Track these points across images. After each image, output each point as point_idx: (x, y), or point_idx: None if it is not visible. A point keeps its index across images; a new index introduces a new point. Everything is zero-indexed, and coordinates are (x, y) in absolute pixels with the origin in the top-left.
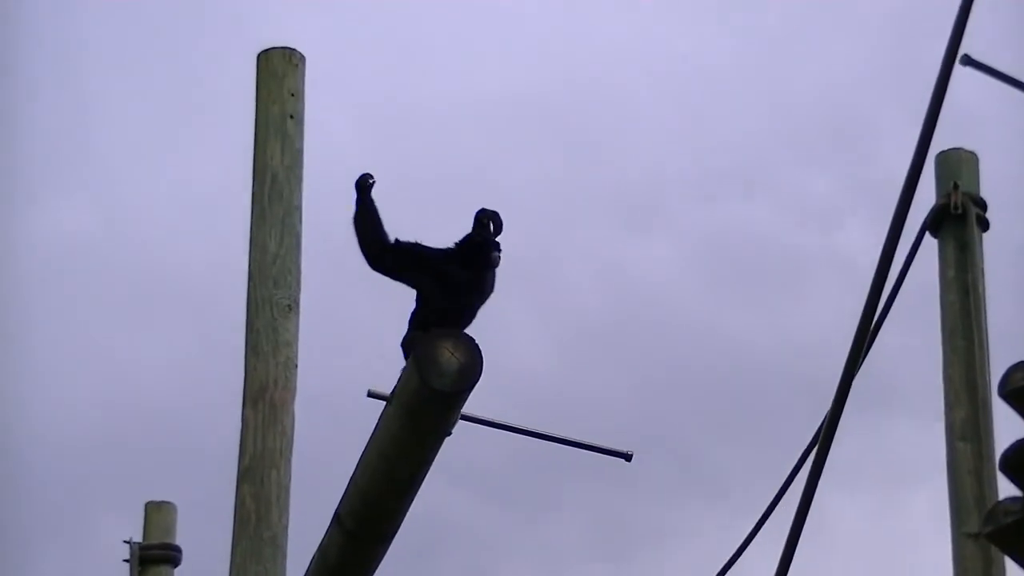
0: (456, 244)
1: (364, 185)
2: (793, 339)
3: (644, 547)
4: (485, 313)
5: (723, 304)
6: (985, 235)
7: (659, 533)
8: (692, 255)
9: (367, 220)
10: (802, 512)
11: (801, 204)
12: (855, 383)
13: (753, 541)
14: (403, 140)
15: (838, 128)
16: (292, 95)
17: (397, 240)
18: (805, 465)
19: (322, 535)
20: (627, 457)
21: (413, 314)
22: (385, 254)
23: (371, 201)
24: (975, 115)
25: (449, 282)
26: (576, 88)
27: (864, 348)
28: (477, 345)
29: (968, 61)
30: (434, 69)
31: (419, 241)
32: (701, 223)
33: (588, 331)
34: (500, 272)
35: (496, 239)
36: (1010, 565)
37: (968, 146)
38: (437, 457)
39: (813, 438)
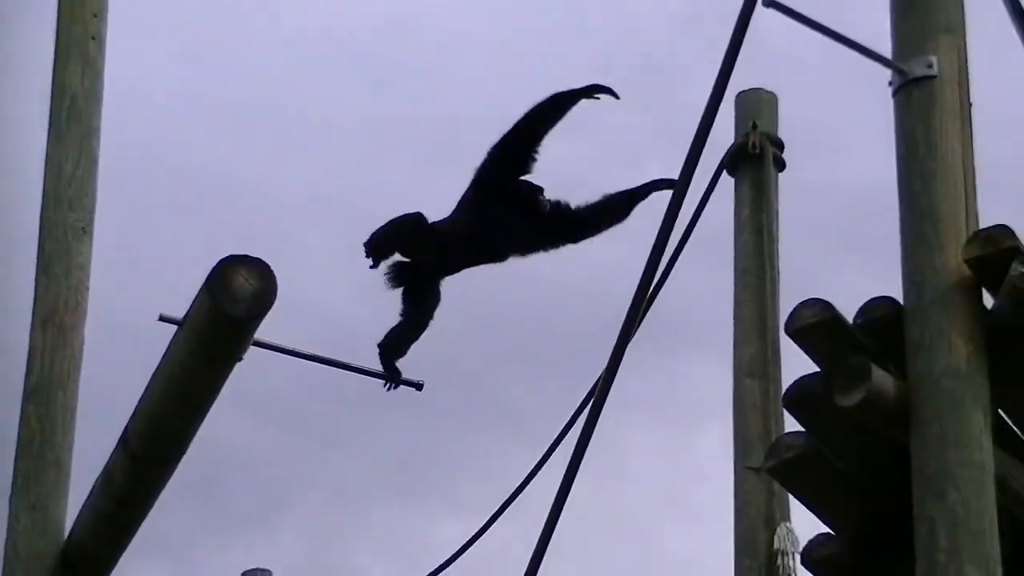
0: None
1: None
2: (593, 274)
3: (438, 479)
4: (284, 240)
5: None
6: (780, 175)
7: (453, 465)
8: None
9: None
10: (582, 445)
11: (607, 142)
12: (655, 320)
13: (544, 472)
14: (210, 68)
15: (644, 66)
16: (95, 16)
17: None
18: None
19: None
20: (418, 386)
21: None
22: None
23: None
24: (777, 56)
25: None
26: (388, 23)
27: (654, 286)
28: (272, 271)
29: (770, 3)
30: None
31: None
32: None
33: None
34: (304, 203)
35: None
36: (790, 500)
37: (769, 87)
38: (228, 384)
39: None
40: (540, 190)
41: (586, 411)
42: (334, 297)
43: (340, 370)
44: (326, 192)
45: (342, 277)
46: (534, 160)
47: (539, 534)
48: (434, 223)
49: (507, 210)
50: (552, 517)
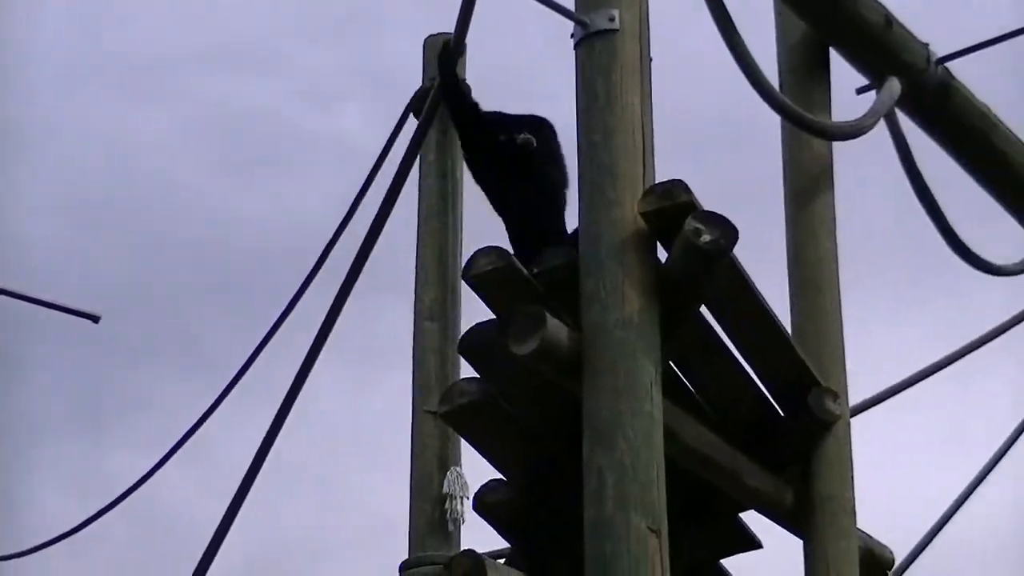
0: None
1: None
2: (293, 217)
3: (115, 412)
4: None
5: (223, 178)
6: None
7: (131, 399)
8: (193, 128)
9: None
10: (292, 393)
11: (306, 82)
12: (339, 262)
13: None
14: None
15: (346, 10)
16: None
17: None
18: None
19: None
20: (95, 319)
21: None
22: None
23: None
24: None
25: None
26: None
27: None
28: None
29: None
30: None
31: None
32: (205, 96)
33: (86, 199)
34: None
35: None
36: (464, 444)
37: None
38: None
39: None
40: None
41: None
42: (32, 228)
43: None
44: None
45: (39, 208)
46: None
47: (239, 484)
48: None
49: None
50: (254, 466)
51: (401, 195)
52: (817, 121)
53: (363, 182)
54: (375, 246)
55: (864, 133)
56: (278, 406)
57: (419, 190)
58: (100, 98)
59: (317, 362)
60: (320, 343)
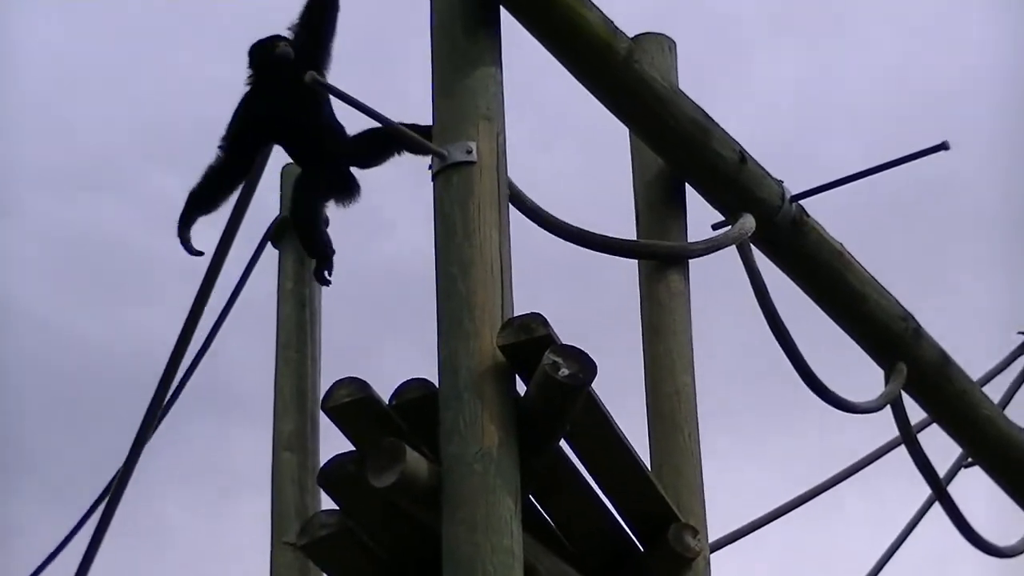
0: None
1: None
2: (138, 341)
3: None
4: None
5: (71, 302)
6: None
7: None
8: (43, 251)
9: None
10: (105, 520)
11: (154, 205)
12: (196, 389)
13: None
14: None
15: (201, 132)
16: None
17: None
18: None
19: None
20: None
21: None
22: None
23: None
24: None
25: None
26: None
27: (196, 356)
28: None
29: (313, 80)
30: None
31: None
32: (56, 219)
33: None
34: None
35: None
36: None
37: None
38: None
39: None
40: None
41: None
42: None
43: None
44: None
45: None
46: None
47: None
48: None
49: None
50: None
51: (261, 323)
52: (674, 246)
53: (222, 309)
54: (199, 365)
55: (717, 250)
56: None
57: (277, 318)
58: None
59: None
60: (128, 470)
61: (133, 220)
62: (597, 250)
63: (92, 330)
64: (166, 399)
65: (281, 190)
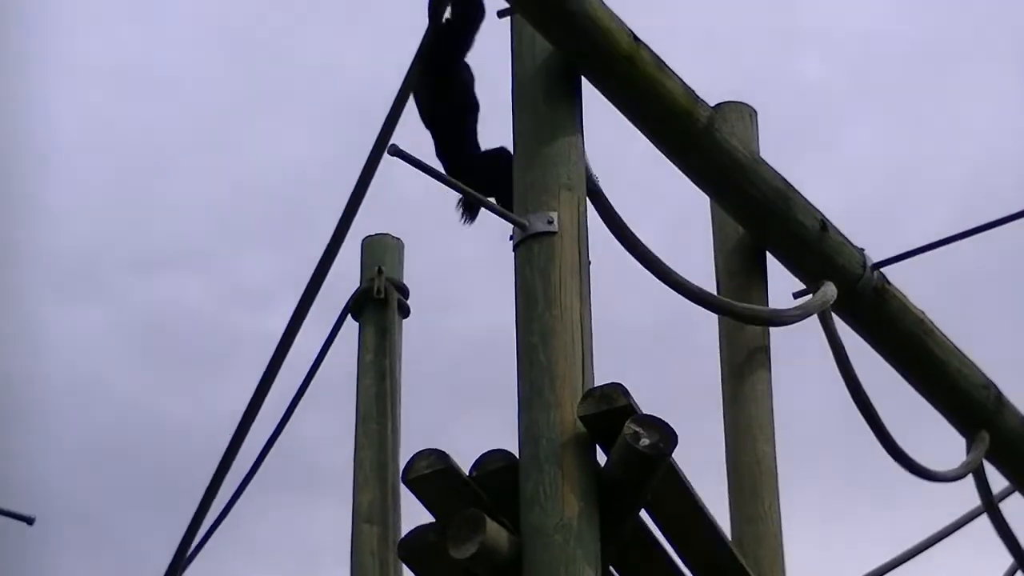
0: None
1: None
2: (221, 416)
3: None
4: None
5: (155, 377)
6: (405, 321)
7: None
8: (127, 326)
9: None
10: None
11: (233, 284)
12: (276, 463)
13: None
14: None
15: (280, 212)
16: None
17: None
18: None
19: None
20: (29, 521)
21: None
22: None
23: None
24: (405, 203)
25: None
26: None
27: (275, 430)
28: None
29: (396, 151)
30: None
31: None
32: (139, 295)
33: (15, 397)
34: None
35: None
36: None
37: (396, 232)
38: None
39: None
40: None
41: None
42: None
43: None
44: None
45: None
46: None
47: None
48: None
49: None
50: None
51: (341, 397)
52: (758, 311)
53: (301, 383)
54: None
55: (797, 321)
56: None
57: (356, 391)
58: (30, 296)
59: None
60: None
61: (213, 298)
62: (694, 301)
63: (175, 407)
64: (228, 473)
65: (362, 261)
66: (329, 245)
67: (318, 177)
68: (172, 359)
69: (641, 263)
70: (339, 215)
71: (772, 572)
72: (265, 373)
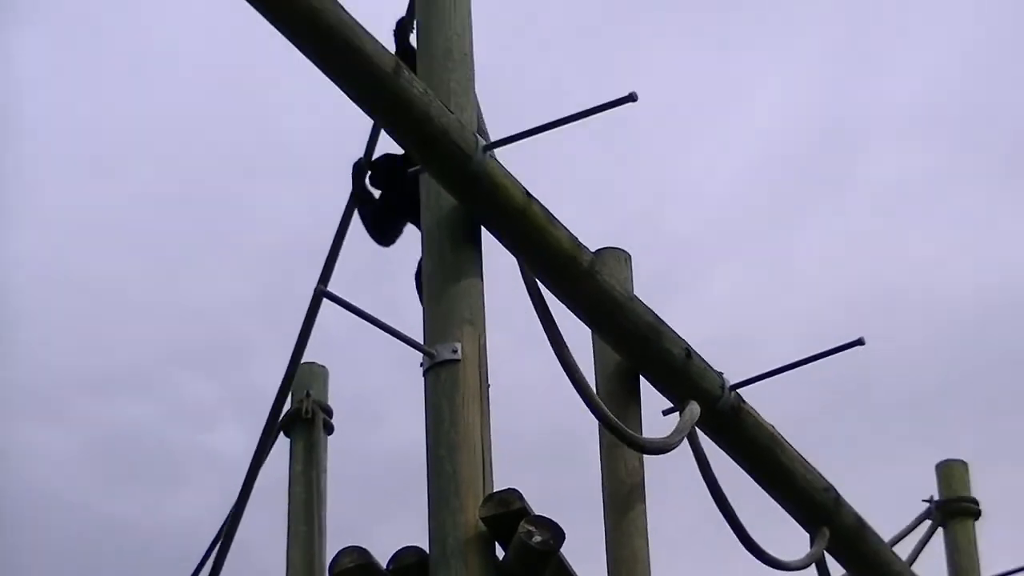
0: None
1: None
2: (171, 523)
3: None
4: None
5: (110, 491)
6: (329, 437)
7: None
8: (84, 445)
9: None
10: None
11: (182, 405)
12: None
13: None
14: None
15: (221, 342)
16: None
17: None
18: None
19: None
20: None
21: None
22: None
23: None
24: (331, 335)
25: None
26: None
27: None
28: None
29: (326, 293)
30: None
31: None
32: (94, 417)
33: None
34: None
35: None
36: None
37: (323, 361)
38: None
39: None
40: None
41: None
42: None
43: None
44: None
45: None
46: None
47: None
48: None
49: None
50: None
51: (272, 501)
52: (636, 436)
53: (238, 493)
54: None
55: (672, 449)
56: None
57: (288, 497)
58: None
59: None
60: None
61: (161, 417)
62: (599, 419)
63: (126, 512)
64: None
65: (293, 386)
66: (286, 375)
67: (252, 310)
68: (126, 472)
69: (572, 383)
70: (284, 346)
71: None
72: (240, 495)
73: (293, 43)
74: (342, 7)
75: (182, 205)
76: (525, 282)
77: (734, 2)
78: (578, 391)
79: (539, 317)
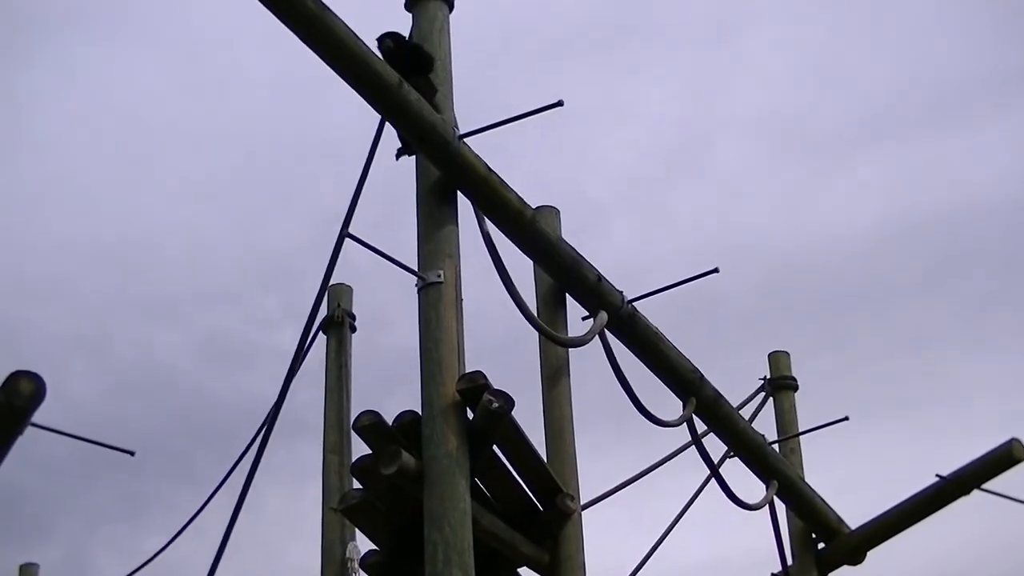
0: None
1: None
2: (246, 394)
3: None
4: None
5: (210, 372)
6: (354, 336)
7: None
8: (194, 342)
9: None
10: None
11: (260, 313)
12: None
13: None
14: None
15: (286, 270)
16: None
17: None
18: None
19: None
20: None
21: None
22: None
23: None
24: (355, 265)
25: None
26: None
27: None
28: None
29: (349, 235)
30: None
31: None
32: (200, 321)
33: None
34: None
35: None
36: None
37: (348, 282)
38: None
39: None
40: None
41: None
42: None
43: None
44: None
45: None
46: None
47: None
48: None
49: None
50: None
51: (315, 380)
52: (560, 336)
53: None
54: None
55: (586, 343)
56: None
57: (325, 374)
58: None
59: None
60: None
61: (244, 321)
62: (531, 324)
63: (216, 387)
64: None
65: (328, 299)
66: (319, 294)
67: (306, 251)
68: (219, 361)
69: (514, 302)
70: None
71: (569, 480)
72: (292, 365)
73: (331, 67)
74: (364, 43)
75: (263, 176)
76: (480, 231)
77: (633, 30)
78: (516, 304)
79: (490, 255)
